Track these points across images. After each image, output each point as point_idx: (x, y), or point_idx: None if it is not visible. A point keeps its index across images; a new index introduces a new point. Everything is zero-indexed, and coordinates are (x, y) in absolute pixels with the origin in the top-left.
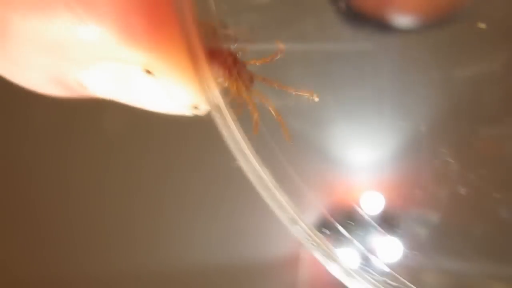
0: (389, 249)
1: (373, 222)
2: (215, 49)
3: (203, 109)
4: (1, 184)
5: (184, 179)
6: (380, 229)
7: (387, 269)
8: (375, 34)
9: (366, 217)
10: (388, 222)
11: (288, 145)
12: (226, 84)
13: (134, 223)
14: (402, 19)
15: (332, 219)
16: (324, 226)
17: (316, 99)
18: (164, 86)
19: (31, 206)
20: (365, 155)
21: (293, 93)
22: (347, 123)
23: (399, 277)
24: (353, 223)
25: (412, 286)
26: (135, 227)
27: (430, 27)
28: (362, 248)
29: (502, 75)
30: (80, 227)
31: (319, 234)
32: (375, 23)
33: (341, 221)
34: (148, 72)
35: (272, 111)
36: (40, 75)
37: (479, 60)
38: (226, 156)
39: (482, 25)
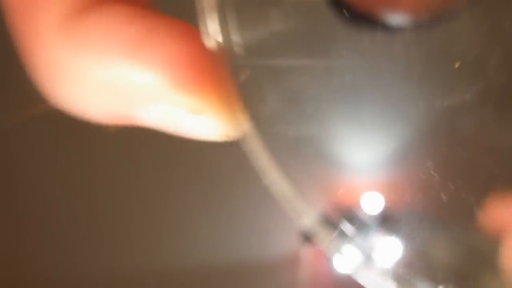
0: (389, 250)
1: (372, 223)
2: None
3: (234, 136)
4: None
5: (185, 179)
6: (380, 229)
7: (388, 267)
8: (370, 34)
9: (365, 217)
10: (388, 222)
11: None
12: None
13: (134, 223)
14: (395, 18)
15: (331, 220)
16: (324, 227)
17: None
18: (205, 122)
19: (30, 207)
20: (364, 156)
21: None
22: (346, 124)
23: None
24: (352, 224)
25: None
26: (134, 227)
27: (423, 26)
28: (362, 248)
29: (472, 105)
30: (81, 227)
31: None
32: (369, 21)
33: (341, 222)
34: (192, 111)
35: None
36: (99, 111)
37: (454, 92)
38: (227, 156)
39: (457, 64)
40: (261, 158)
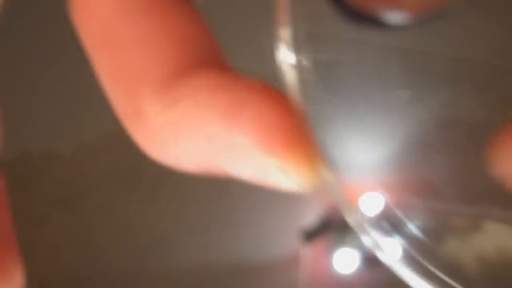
0: (390, 249)
1: (373, 222)
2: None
3: (317, 189)
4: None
5: (185, 178)
6: (380, 229)
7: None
8: (370, 31)
9: (366, 217)
10: (388, 222)
11: None
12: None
13: (134, 225)
14: (394, 15)
15: (333, 220)
16: (326, 227)
17: None
18: (291, 177)
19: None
20: (365, 156)
21: None
22: (347, 123)
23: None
24: (353, 223)
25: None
26: (135, 229)
27: (422, 23)
28: (362, 247)
29: (468, 104)
30: (95, 227)
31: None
32: (369, 19)
33: (342, 222)
34: (279, 169)
35: None
36: (195, 165)
37: (451, 90)
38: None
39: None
40: (340, 203)
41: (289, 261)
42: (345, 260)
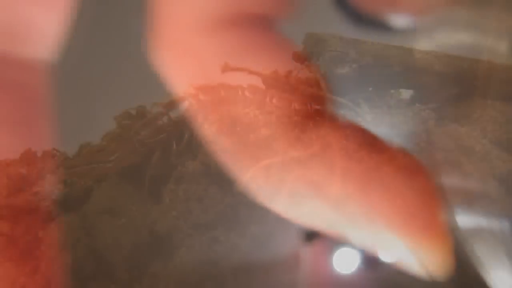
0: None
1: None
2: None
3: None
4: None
5: (187, 179)
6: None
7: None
8: (375, 34)
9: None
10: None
11: None
12: None
13: (137, 224)
14: (400, 19)
15: None
16: None
17: None
18: (420, 262)
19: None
20: None
21: None
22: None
23: None
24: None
25: None
26: (138, 228)
27: (426, 26)
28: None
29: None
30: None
31: None
32: (375, 23)
33: None
34: (412, 252)
35: None
36: (311, 223)
37: (444, 88)
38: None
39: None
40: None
41: (289, 261)
42: (345, 260)
